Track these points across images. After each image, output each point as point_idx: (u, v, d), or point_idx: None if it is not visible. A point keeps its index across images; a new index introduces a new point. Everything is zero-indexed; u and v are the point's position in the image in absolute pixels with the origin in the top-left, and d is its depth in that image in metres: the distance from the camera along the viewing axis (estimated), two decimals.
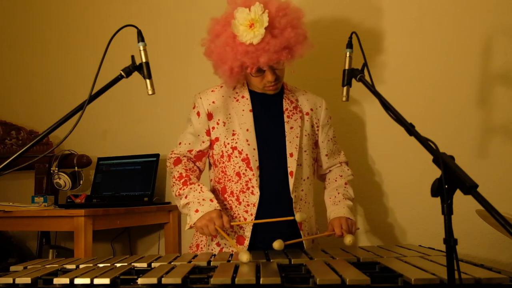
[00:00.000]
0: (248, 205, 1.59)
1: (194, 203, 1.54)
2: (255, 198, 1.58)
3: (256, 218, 1.57)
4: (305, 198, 1.66)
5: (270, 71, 1.57)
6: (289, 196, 1.61)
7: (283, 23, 1.51)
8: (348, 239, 1.46)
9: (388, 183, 2.12)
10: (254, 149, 1.61)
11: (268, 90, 1.64)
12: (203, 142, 1.69)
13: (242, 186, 1.60)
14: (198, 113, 1.69)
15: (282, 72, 1.63)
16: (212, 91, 1.72)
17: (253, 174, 1.59)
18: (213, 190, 1.69)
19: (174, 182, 1.64)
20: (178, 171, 1.65)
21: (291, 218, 1.52)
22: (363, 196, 2.12)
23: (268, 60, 1.50)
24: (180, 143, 1.72)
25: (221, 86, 1.73)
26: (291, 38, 1.52)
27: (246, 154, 1.60)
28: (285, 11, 1.53)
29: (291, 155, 1.62)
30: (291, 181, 1.61)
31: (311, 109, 1.73)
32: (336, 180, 1.76)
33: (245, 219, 1.58)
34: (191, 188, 1.59)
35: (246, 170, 1.60)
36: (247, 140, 1.61)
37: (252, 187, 1.59)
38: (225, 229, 1.51)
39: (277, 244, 1.37)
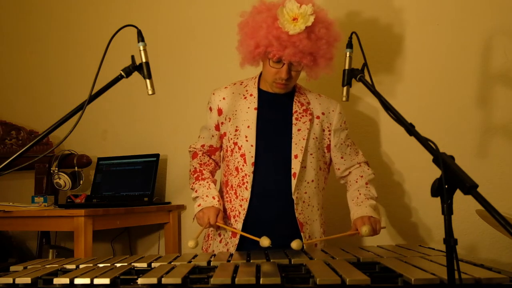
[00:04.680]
0: (242, 199, 1.65)
1: (199, 197, 1.68)
2: (248, 194, 1.63)
3: (248, 213, 1.63)
4: (308, 201, 1.67)
5: (287, 67, 1.59)
6: (290, 197, 1.63)
7: (322, 33, 1.56)
8: (364, 229, 1.51)
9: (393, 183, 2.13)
10: (251, 145, 1.65)
11: (277, 87, 1.65)
12: (213, 136, 1.78)
13: (239, 180, 1.66)
14: (210, 108, 1.76)
15: (297, 76, 1.66)
16: (225, 87, 1.77)
17: (249, 170, 1.63)
18: (222, 183, 1.77)
19: (190, 176, 1.79)
20: (193, 166, 1.80)
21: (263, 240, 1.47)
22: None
23: (292, 54, 1.53)
24: (199, 137, 1.83)
25: (234, 84, 1.77)
26: (321, 50, 1.57)
27: (244, 150, 1.65)
28: (328, 26, 1.59)
29: (296, 156, 1.64)
30: (293, 182, 1.63)
31: (323, 113, 1.72)
32: (356, 181, 1.74)
33: (239, 212, 1.64)
34: (200, 184, 1.73)
35: (243, 165, 1.65)
36: (246, 136, 1.65)
37: (247, 182, 1.64)
38: (227, 223, 1.67)
39: (295, 244, 1.40)
